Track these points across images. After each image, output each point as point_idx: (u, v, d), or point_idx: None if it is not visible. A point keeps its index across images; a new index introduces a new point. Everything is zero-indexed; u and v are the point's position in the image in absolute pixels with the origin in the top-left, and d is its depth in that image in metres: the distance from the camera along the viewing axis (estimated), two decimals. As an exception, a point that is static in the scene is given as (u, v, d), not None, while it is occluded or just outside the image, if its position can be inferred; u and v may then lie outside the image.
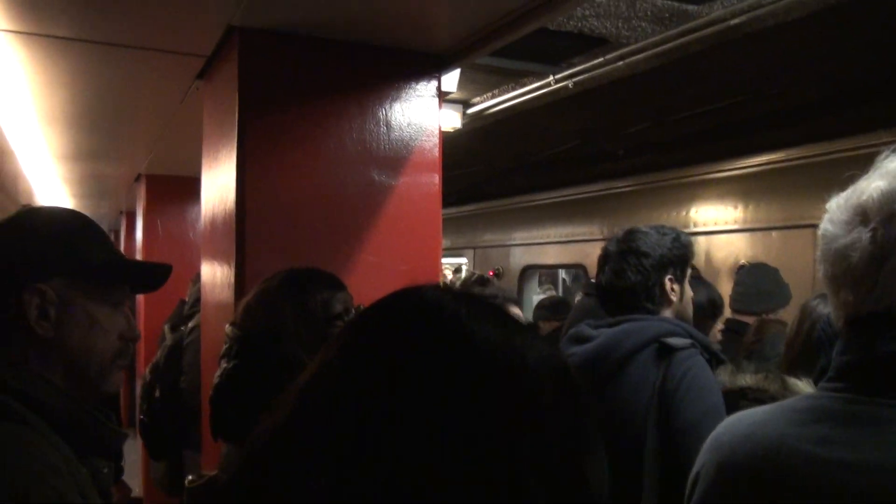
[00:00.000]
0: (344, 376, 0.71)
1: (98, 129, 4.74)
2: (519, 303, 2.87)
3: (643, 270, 2.40)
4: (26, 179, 6.48)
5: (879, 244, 1.11)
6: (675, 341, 2.23)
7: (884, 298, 1.12)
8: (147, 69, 3.29)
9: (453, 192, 9.28)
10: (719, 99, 5.34)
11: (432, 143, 3.00)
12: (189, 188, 5.92)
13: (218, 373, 2.00)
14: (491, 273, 7.83)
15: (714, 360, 2.29)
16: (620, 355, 2.29)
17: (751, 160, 5.19)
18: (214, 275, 3.01)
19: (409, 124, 2.95)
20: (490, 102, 5.64)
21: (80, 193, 8.33)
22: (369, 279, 2.82)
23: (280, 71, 2.77)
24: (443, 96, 3.09)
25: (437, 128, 3.02)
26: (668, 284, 2.42)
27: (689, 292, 2.50)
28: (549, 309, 5.32)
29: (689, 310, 2.50)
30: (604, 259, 2.52)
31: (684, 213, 5.56)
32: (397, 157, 2.93)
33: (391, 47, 2.91)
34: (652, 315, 2.39)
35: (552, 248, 7.12)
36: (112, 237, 13.20)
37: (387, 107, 2.92)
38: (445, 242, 9.09)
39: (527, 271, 7.48)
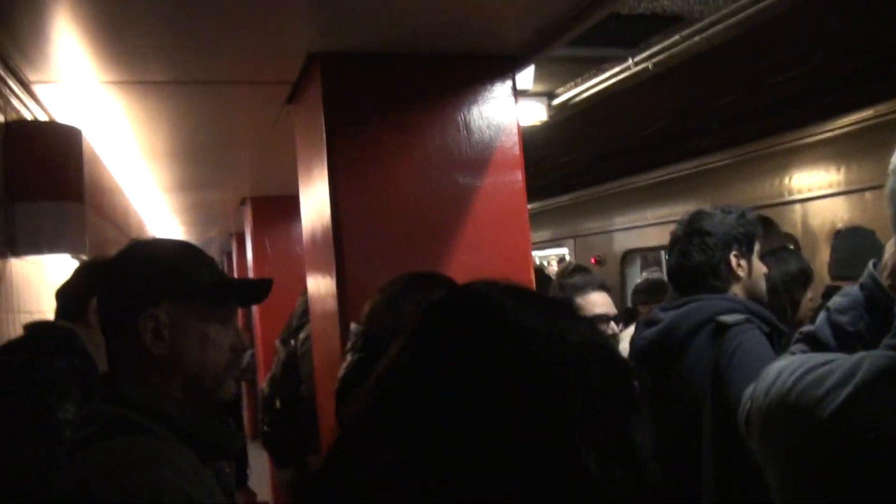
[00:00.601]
0: (411, 365, 0.82)
1: (200, 160, 5.03)
2: (607, 287, 2.93)
3: (707, 249, 2.47)
4: (136, 213, 6.87)
5: None
6: (728, 318, 2.29)
7: None
8: (239, 100, 3.51)
9: (550, 183, 9.32)
10: (805, 62, 5.23)
11: (512, 142, 3.09)
12: (292, 207, 6.13)
13: (343, 366, 2.14)
14: (593, 260, 7.83)
15: (775, 333, 2.34)
16: (681, 336, 2.38)
17: (841, 120, 5.04)
18: (318, 287, 3.18)
19: (488, 126, 3.06)
20: (573, 92, 5.65)
21: (189, 221, 8.76)
22: (465, 278, 2.92)
23: (361, 89, 2.92)
24: (518, 94, 3.17)
25: (516, 126, 3.11)
26: (733, 261, 2.47)
27: (759, 268, 2.54)
28: (645, 292, 5.34)
29: (761, 284, 2.54)
30: (672, 242, 2.59)
31: (778, 181, 5.45)
32: (480, 158, 3.03)
33: (464, 54, 3.02)
34: (720, 293, 2.45)
35: (652, 230, 7.07)
36: (224, 259, 13.79)
37: (465, 111, 3.03)
38: (547, 234, 9.12)
39: (627, 256, 7.46)
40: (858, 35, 4.84)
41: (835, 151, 5.05)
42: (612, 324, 2.90)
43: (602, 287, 2.97)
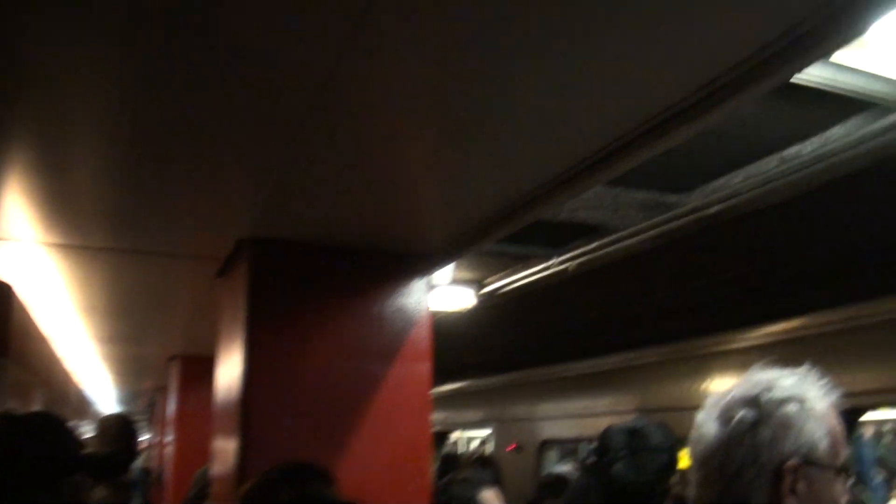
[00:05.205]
0: None
1: (133, 317, 5.17)
2: (493, 485, 2.98)
3: None
4: (62, 362, 6.90)
5: None
6: None
7: None
8: (173, 270, 3.70)
9: (482, 363, 9.44)
10: (734, 267, 5.44)
11: (423, 335, 3.29)
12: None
13: None
14: (513, 446, 7.84)
15: None
16: None
17: (765, 329, 5.11)
18: (222, 448, 3.27)
19: (401, 318, 3.26)
20: (500, 283, 5.96)
21: (119, 371, 8.74)
22: (359, 466, 3.03)
23: (285, 273, 3.13)
24: (431, 289, 3.38)
25: (427, 320, 3.32)
26: None
27: None
28: (549, 488, 5.39)
29: None
30: None
31: (700, 385, 5.51)
32: (390, 348, 3.22)
33: (384, 251, 3.27)
34: None
35: (571, 422, 7.09)
36: (150, 410, 13.61)
37: (381, 304, 3.24)
38: (476, 414, 9.14)
39: (545, 445, 7.46)
40: (766, 254, 5.13)
41: (746, 362, 5.13)
42: None
43: (490, 484, 3.00)
